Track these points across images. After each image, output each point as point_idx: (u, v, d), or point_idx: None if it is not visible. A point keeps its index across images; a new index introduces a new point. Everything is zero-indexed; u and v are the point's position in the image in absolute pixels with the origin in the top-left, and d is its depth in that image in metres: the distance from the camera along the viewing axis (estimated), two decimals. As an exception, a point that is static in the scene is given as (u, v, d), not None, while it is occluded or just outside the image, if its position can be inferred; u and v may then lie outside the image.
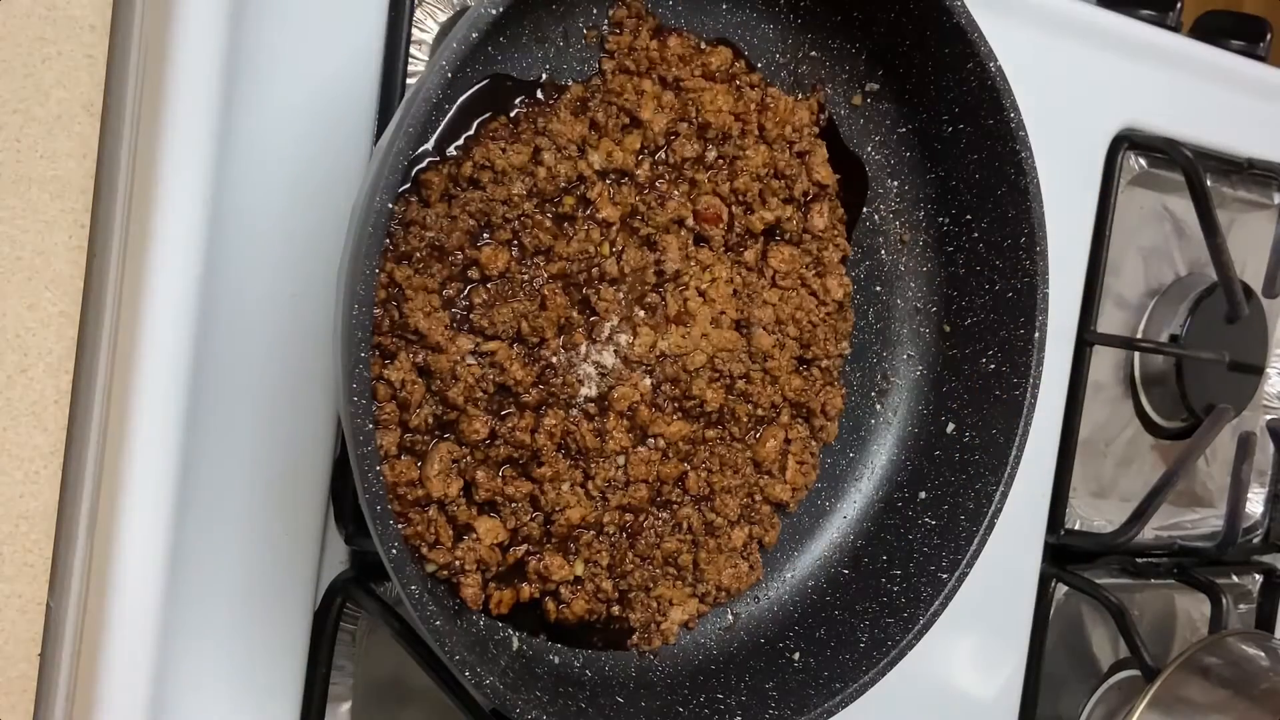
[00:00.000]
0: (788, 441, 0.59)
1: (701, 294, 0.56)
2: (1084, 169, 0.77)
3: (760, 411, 0.58)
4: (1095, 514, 0.81)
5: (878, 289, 0.62)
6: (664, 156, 0.55)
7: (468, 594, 0.51)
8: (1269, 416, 0.89)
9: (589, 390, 0.53)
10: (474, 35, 0.44)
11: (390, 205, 0.42)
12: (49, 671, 0.53)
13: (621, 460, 0.54)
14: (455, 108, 0.50)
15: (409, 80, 0.55)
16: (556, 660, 0.54)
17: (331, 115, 0.54)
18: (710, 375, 0.56)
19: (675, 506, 0.56)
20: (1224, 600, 0.82)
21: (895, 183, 0.61)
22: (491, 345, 0.50)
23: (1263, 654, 0.79)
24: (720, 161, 0.56)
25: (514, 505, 0.52)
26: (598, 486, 0.54)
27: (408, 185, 0.50)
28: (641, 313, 0.54)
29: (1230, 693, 0.75)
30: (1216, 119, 0.82)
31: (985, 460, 0.58)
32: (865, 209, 0.61)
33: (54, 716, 0.52)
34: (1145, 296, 0.84)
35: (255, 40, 0.51)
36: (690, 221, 0.55)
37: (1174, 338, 0.83)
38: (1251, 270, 0.86)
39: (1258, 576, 0.91)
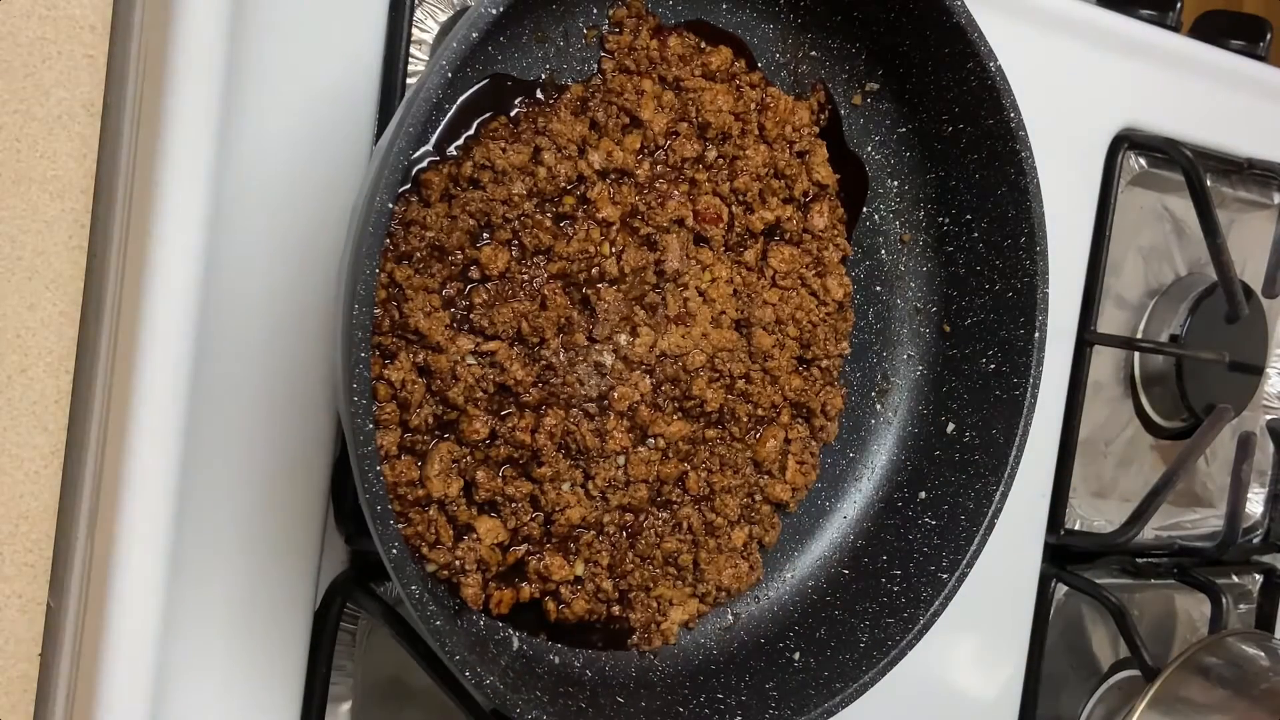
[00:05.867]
0: (788, 441, 0.59)
1: (701, 294, 0.56)
2: (1084, 169, 0.77)
3: (760, 411, 0.58)
4: (1095, 514, 0.81)
5: (878, 289, 0.62)
6: (664, 156, 0.55)
7: (468, 594, 0.51)
8: (1269, 416, 0.89)
9: (589, 390, 0.53)
10: (474, 35, 0.44)
11: (390, 205, 0.42)
12: (49, 671, 0.53)
13: (621, 460, 0.54)
14: (455, 108, 0.50)
15: (409, 80, 0.55)
16: (556, 660, 0.54)
17: (331, 115, 0.54)
18: (710, 375, 0.56)
19: (675, 506, 0.56)
20: (1224, 600, 0.81)
21: (895, 183, 0.61)
22: (491, 345, 0.50)
23: (1263, 654, 0.79)
24: (720, 161, 0.56)
25: (514, 505, 0.52)
26: (598, 486, 0.54)
27: (408, 185, 0.50)
28: (641, 313, 0.54)
29: (1230, 693, 0.75)
30: (1216, 119, 0.82)
31: (985, 460, 0.58)
32: (865, 209, 0.61)
33: (54, 716, 0.52)
34: (1145, 296, 0.84)
35: (255, 40, 0.51)
36: (690, 221, 0.55)
37: (1174, 338, 0.83)
38: (1251, 270, 0.86)
39: (1258, 576, 0.91)
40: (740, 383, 0.57)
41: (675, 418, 0.55)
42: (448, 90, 0.46)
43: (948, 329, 0.61)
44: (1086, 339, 0.77)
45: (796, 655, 0.57)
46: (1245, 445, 0.83)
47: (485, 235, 0.51)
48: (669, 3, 0.55)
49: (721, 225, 0.56)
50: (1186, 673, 0.75)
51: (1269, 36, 0.87)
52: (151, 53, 0.49)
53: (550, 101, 0.52)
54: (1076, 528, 0.79)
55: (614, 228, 0.53)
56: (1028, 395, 0.58)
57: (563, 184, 0.52)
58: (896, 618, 0.56)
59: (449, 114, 0.50)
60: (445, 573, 0.51)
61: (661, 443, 0.55)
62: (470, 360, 0.50)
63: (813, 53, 0.59)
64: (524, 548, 0.53)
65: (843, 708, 0.54)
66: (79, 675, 0.50)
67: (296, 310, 0.53)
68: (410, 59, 0.55)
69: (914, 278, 0.62)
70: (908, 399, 0.62)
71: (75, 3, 0.51)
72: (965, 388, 0.60)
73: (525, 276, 0.51)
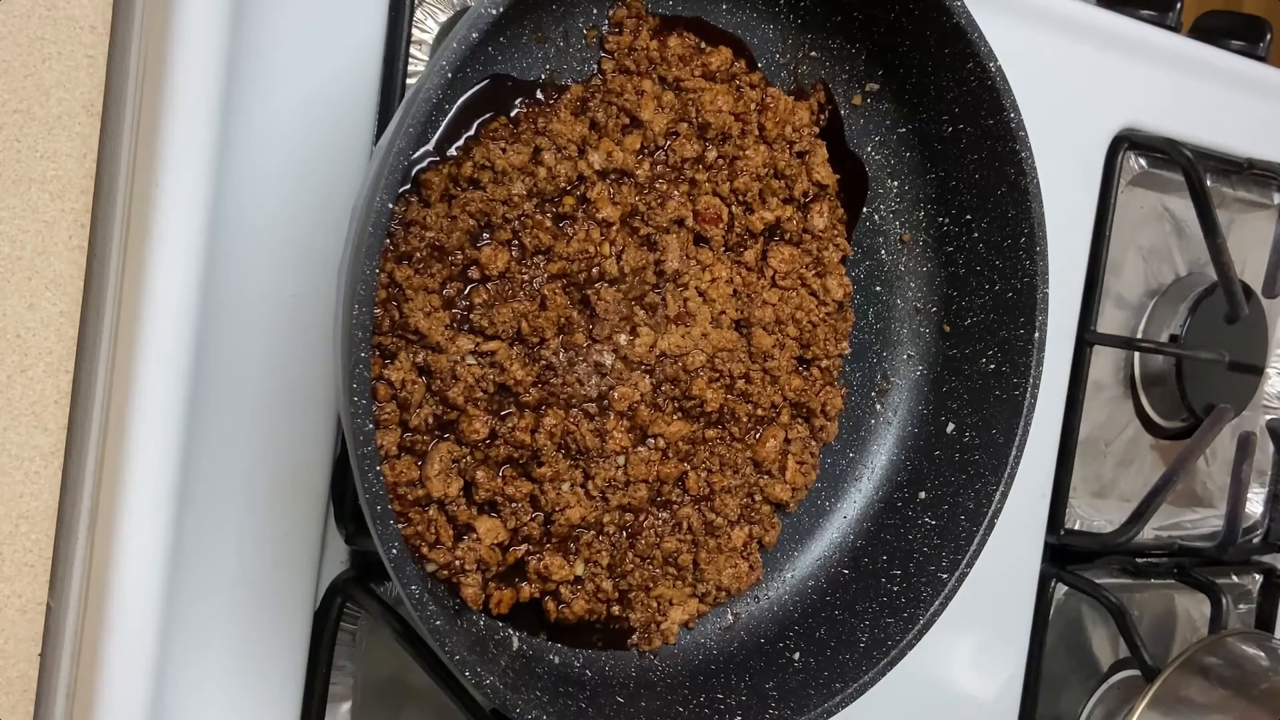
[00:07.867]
0: (788, 441, 0.59)
1: (701, 294, 0.56)
2: (1084, 169, 0.77)
3: (760, 411, 0.58)
4: (1095, 514, 0.81)
5: (878, 289, 0.62)
6: (664, 156, 0.55)
7: (468, 594, 0.51)
8: (1269, 416, 0.89)
9: (589, 390, 0.53)
10: (474, 35, 0.44)
11: (390, 205, 0.42)
12: (49, 671, 0.53)
13: (621, 460, 0.54)
14: (455, 108, 0.50)
15: (409, 80, 0.55)
16: (556, 660, 0.54)
17: (331, 115, 0.54)
18: (710, 375, 0.56)
19: (675, 506, 0.56)
20: (1224, 600, 0.82)
21: (895, 183, 0.61)
22: (491, 345, 0.50)
23: (1263, 654, 0.79)
24: (720, 161, 0.56)
25: (514, 505, 0.52)
26: (598, 486, 0.54)
27: (408, 185, 0.50)
28: (641, 313, 0.54)
29: (1230, 693, 0.75)
30: (1216, 119, 0.82)
31: (985, 460, 0.58)
32: (865, 209, 0.61)
33: (54, 716, 0.52)
34: (1145, 296, 0.84)
35: (255, 40, 0.51)
36: (690, 221, 0.55)
37: (1174, 338, 0.83)
38: (1251, 270, 0.86)
39: (1258, 576, 0.91)
40: (740, 383, 0.57)
41: (675, 418, 0.55)
42: (448, 90, 0.46)
43: (948, 329, 0.61)
44: (1086, 339, 0.77)
45: (796, 655, 0.57)
46: (1245, 445, 0.83)
47: (485, 235, 0.51)
48: (669, 3, 0.55)
49: (721, 225, 0.56)
50: (1186, 673, 0.75)
51: (1269, 36, 0.87)
52: (151, 53, 0.49)
53: (550, 102, 0.53)
54: (1076, 528, 0.79)
55: (614, 228, 0.53)
56: (1028, 395, 0.58)
57: (563, 184, 0.52)
58: (896, 618, 0.56)
59: (449, 114, 0.50)
60: (445, 573, 0.51)
61: (661, 443, 0.55)
62: (470, 360, 0.50)
63: (813, 53, 0.59)
64: (524, 548, 0.53)
65: (843, 708, 0.54)
66: (79, 675, 0.50)
67: (296, 310, 0.53)
68: (410, 59, 0.55)
69: (914, 278, 0.62)
70: (908, 399, 0.62)
71: (75, 3, 0.51)
72: (965, 388, 0.60)
73: (525, 276, 0.51)
